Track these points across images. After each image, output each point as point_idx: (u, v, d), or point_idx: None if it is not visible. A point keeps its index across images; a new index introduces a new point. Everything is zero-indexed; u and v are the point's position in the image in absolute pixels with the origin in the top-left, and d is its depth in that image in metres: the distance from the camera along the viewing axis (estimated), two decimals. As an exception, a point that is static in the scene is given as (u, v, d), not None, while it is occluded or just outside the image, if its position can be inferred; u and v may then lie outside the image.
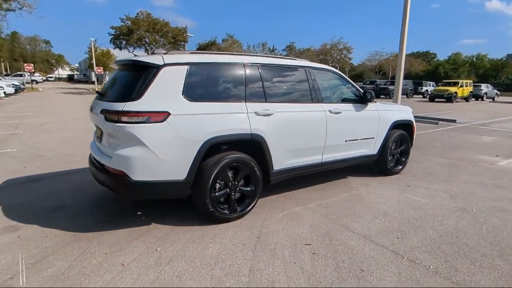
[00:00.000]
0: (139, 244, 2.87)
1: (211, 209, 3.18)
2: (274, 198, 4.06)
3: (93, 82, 43.25)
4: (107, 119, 2.93)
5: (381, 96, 26.65)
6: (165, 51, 3.29)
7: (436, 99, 25.74)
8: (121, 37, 26.87)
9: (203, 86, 3.20)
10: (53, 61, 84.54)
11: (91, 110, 3.43)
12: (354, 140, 4.43)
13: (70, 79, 70.90)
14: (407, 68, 36.87)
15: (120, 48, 28.18)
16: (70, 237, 2.97)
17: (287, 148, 3.70)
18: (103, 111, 2.98)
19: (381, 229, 3.26)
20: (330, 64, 37.33)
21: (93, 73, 42.32)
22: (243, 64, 3.47)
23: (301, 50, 41.35)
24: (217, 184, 3.24)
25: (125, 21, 27.11)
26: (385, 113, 4.80)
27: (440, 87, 26.60)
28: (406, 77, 27.90)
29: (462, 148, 7.35)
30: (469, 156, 6.54)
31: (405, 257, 2.72)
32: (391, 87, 26.10)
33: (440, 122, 11.91)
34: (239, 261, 2.64)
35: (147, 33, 26.36)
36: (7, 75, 46.68)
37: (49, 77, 72.81)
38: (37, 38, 71.58)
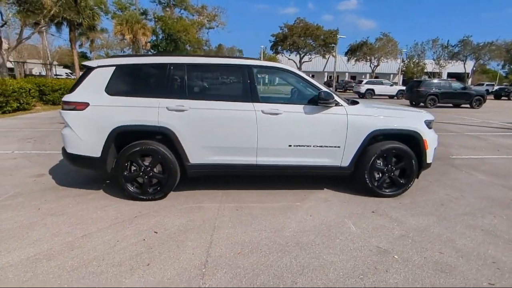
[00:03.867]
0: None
1: (124, 186, 3.73)
2: (212, 192, 4.12)
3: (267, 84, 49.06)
4: None
5: None
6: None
7: None
8: (278, 43, 29.55)
9: (124, 83, 3.74)
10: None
11: None
12: (304, 146, 3.81)
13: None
14: None
15: (277, 53, 31.05)
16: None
17: (205, 144, 3.73)
18: None
19: (229, 244, 2.90)
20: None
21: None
22: (167, 64, 3.77)
23: (479, 44, 32.65)
24: (133, 167, 3.76)
25: (283, 29, 29.62)
26: (360, 118, 3.81)
27: None
28: None
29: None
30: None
31: None
32: None
33: None
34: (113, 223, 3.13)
35: (300, 38, 27.86)
36: None
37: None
38: (234, 49, 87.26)
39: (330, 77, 58.12)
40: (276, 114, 3.71)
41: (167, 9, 43.31)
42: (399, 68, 42.11)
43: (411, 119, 3.92)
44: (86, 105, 3.64)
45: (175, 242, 2.85)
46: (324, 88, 3.85)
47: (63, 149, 3.86)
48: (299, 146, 3.80)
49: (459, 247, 2.81)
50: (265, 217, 3.40)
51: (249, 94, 3.75)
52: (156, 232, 3.04)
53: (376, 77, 40.45)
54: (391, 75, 58.90)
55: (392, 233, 3.07)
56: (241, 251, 2.72)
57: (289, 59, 33.39)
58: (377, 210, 3.59)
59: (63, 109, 3.75)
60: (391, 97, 26.21)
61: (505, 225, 3.26)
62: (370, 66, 36.28)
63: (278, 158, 3.84)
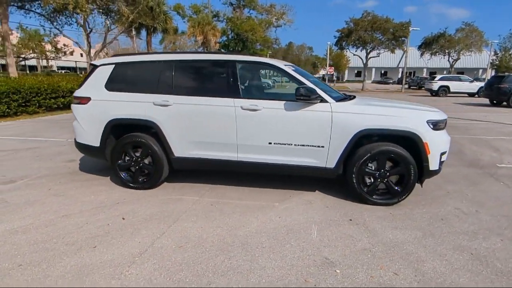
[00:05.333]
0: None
1: (118, 174, 4.03)
2: (201, 186, 4.17)
3: (332, 81, 47.08)
4: None
5: None
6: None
7: None
8: (343, 38, 28.14)
9: (121, 80, 4.01)
10: (318, 63, 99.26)
11: None
12: (285, 144, 3.58)
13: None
14: None
15: (341, 49, 29.59)
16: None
17: (188, 138, 3.79)
18: None
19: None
20: None
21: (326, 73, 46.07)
22: (157, 62, 3.93)
23: None
24: (127, 157, 4.03)
25: (348, 23, 28.11)
26: (347, 116, 3.41)
27: None
28: None
29: None
30: None
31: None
32: None
33: None
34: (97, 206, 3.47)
35: (365, 33, 26.06)
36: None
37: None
38: (304, 46, 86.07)
39: (407, 73, 53.40)
40: (255, 110, 3.57)
41: (237, 9, 44.74)
42: (489, 62, 36.36)
43: (408, 118, 3.38)
44: (88, 99, 4.02)
45: (132, 230, 2.98)
46: (309, 84, 3.56)
47: (74, 139, 4.33)
48: (280, 144, 3.60)
49: (424, 271, 2.35)
50: (233, 215, 3.32)
51: (231, 89, 3.69)
52: (124, 219, 3.21)
53: (461, 73, 35.62)
54: (480, 70, 51.38)
55: (354, 245, 2.71)
56: (183, 245, 2.71)
57: (354, 54, 31.52)
58: (356, 219, 3.20)
59: (73, 103, 4.20)
60: (471, 95, 22.78)
61: (508, 252, 2.61)
62: (448, 60, 32.04)
63: (258, 155, 3.70)
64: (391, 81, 48.73)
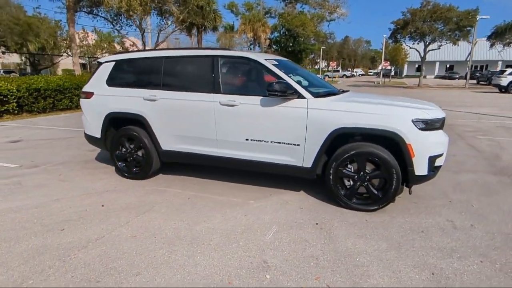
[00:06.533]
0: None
1: (115, 164, 4.30)
2: (190, 179, 4.23)
3: (387, 76, 43.84)
4: None
5: None
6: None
7: None
8: (398, 30, 26.02)
9: (119, 76, 4.23)
10: (377, 57, 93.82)
11: None
12: (262, 141, 3.44)
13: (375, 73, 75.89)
14: None
15: (396, 42, 27.39)
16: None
17: (173, 132, 3.87)
18: None
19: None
20: None
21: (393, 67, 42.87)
22: (150, 58, 4.06)
23: None
24: (123, 148, 4.25)
25: (405, 14, 25.92)
26: (322, 113, 3.14)
27: None
28: None
29: None
30: None
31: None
32: None
33: None
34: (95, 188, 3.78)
35: (424, 24, 23.70)
36: (336, 71, 56.74)
37: (369, 72, 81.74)
38: (361, 40, 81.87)
39: (479, 67, 47.52)
40: (232, 105, 3.50)
41: (289, 5, 44.13)
42: None
43: (388, 116, 2.99)
44: (92, 94, 4.33)
45: (103, 217, 3.15)
46: (287, 79, 3.36)
47: (84, 130, 4.71)
48: (257, 140, 3.49)
49: (362, 286, 2.08)
50: (202, 209, 3.32)
51: (211, 85, 3.66)
52: (103, 206, 3.41)
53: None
54: None
55: (304, 251, 2.51)
56: (137, 235, 2.79)
57: (410, 47, 28.91)
58: (324, 223, 2.97)
59: (80, 98, 4.56)
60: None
61: (479, 276, 2.18)
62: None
63: (236, 151, 3.63)
64: (457, 76, 43.70)
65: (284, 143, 3.37)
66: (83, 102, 4.46)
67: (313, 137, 3.22)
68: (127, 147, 4.17)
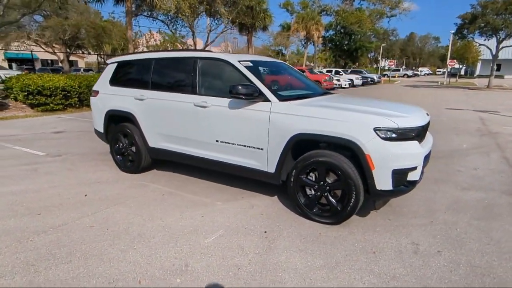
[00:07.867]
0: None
1: (113, 157, 4.63)
2: (178, 176, 4.36)
3: (454, 75, 39.37)
4: None
5: None
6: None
7: None
8: (465, 26, 23.18)
9: (120, 76, 4.52)
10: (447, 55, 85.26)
11: None
12: (229, 143, 3.38)
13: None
14: None
15: (462, 38, 24.45)
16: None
17: (157, 130, 4.02)
18: None
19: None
20: None
21: (455, 67, 38.61)
22: (144, 60, 4.25)
23: None
24: (120, 143, 4.55)
25: (475, 7, 23.03)
26: (283, 118, 2.95)
27: None
28: None
29: None
30: None
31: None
32: None
33: None
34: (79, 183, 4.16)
35: (496, 17, 20.75)
36: (395, 70, 52.75)
37: (438, 71, 74.36)
38: (428, 36, 74.89)
39: None
40: (204, 107, 3.51)
41: (347, 1, 42.29)
42: None
43: (346, 123, 2.70)
44: (97, 93, 4.70)
45: (80, 206, 3.41)
46: (255, 81, 3.24)
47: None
48: (225, 142, 3.45)
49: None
50: (167, 207, 3.38)
51: (189, 86, 3.72)
52: (86, 195, 3.70)
53: None
54: None
55: (232, 258, 2.43)
56: (94, 226, 2.97)
57: (480, 44, 25.49)
58: (272, 232, 2.82)
59: (91, 96, 4.98)
60: None
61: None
62: None
63: (209, 152, 3.64)
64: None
65: (249, 146, 3.28)
66: (91, 99, 4.87)
67: (275, 142, 3.08)
68: (123, 143, 4.45)
